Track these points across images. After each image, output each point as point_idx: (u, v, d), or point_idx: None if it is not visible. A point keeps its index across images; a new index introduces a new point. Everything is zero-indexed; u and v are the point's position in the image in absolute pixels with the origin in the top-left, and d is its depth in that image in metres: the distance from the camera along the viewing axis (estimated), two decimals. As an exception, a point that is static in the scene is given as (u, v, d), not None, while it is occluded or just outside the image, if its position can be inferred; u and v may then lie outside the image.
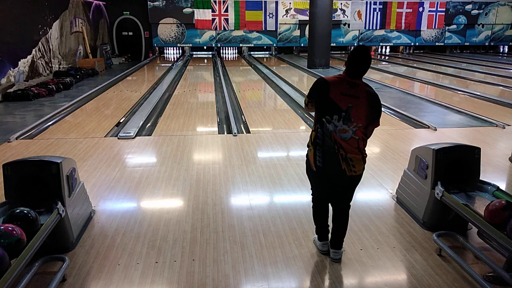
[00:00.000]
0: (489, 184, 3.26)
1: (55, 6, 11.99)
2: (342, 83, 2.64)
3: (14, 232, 2.36)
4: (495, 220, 2.64)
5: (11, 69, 9.27)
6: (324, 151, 2.66)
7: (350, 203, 2.92)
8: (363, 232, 3.33)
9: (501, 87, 10.87)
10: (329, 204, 2.98)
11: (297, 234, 3.29)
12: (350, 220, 3.04)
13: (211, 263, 2.89)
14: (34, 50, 10.44)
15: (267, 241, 3.19)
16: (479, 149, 3.33)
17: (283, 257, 2.97)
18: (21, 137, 5.97)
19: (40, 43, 10.82)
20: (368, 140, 2.77)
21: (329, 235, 3.00)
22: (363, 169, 2.77)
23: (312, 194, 3.03)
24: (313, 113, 2.82)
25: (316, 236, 3.10)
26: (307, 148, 2.81)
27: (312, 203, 3.05)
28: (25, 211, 2.60)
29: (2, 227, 2.37)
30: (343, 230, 2.92)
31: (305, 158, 2.85)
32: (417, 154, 3.56)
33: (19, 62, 9.65)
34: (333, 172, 2.69)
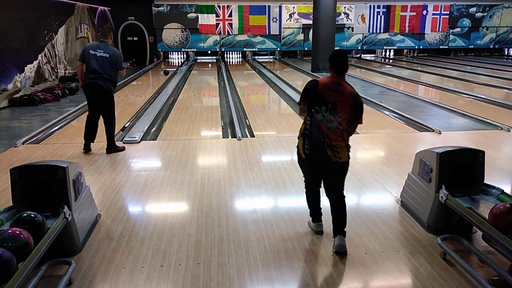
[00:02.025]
0: (493, 187, 3.26)
1: (61, 12, 12.12)
2: (330, 82, 3.02)
3: (22, 235, 2.39)
4: (500, 223, 2.63)
5: (18, 74, 9.36)
6: (311, 140, 2.99)
7: (344, 193, 3.14)
8: (368, 235, 3.33)
9: (506, 90, 10.82)
10: (320, 189, 3.29)
11: (302, 238, 3.29)
12: (354, 223, 3.10)
13: (216, 267, 2.91)
14: (40, 55, 10.54)
15: (271, 244, 3.20)
16: (483, 152, 3.33)
17: (288, 261, 2.98)
18: (27, 142, 6.03)
19: (46, 48, 10.93)
20: (352, 134, 3.08)
21: (322, 217, 3.33)
22: (348, 157, 3.03)
23: (304, 182, 3.36)
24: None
25: (310, 218, 3.39)
26: (297, 140, 3.14)
27: (305, 189, 3.38)
28: (32, 215, 2.62)
29: (10, 231, 2.40)
30: (342, 219, 3.12)
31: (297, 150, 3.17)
32: (421, 157, 3.56)
33: (25, 68, 9.75)
34: (320, 158, 3.00)
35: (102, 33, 5.49)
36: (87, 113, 5.68)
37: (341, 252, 3.05)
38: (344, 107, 2.93)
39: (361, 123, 3.08)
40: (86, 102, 4.98)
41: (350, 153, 3.03)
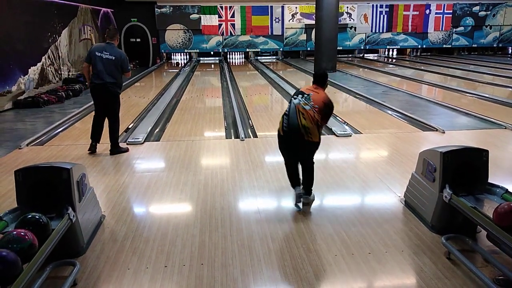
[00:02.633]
0: (497, 186, 3.25)
1: (64, 14, 12.17)
2: (310, 86, 3.89)
3: (26, 237, 2.40)
4: (504, 222, 2.62)
5: (22, 76, 9.41)
6: (289, 118, 3.67)
7: (313, 161, 3.84)
8: (371, 235, 3.32)
9: (510, 89, 10.78)
10: (298, 165, 3.88)
11: (305, 238, 3.29)
12: (358, 223, 3.19)
13: (220, 267, 2.91)
14: (43, 57, 10.59)
15: (275, 245, 3.20)
16: (487, 151, 3.32)
17: (291, 261, 2.98)
18: (31, 144, 6.05)
19: (49, 50, 10.98)
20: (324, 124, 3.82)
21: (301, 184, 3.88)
22: (319, 138, 3.72)
23: (284, 161, 3.93)
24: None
25: (293, 187, 3.90)
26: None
27: (286, 168, 3.94)
28: (37, 217, 2.64)
29: (15, 232, 2.42)
30: (309, 181, 3.87)
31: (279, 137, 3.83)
32: (425, 157, 3.55)
33: (29, 70, 9.80)
34: (294, 134, 3.64)
35: (108, 35, 5.48)
36: (92, 113, 5.71)
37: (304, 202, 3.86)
38: (318, 100, 3.67)
39: (325, 123, 3.87)
40: (89, 104, 5.06)
41: (320, 136, 3.76)
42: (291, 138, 3.69)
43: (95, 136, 5.57)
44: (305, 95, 3.70)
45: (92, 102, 5.67)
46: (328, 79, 3.96)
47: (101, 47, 5.38)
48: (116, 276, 2.84)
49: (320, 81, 3.87)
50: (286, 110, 3.73)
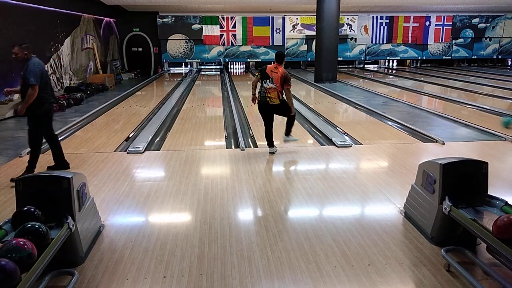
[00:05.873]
0: (497, 199, 3.24)
1: (67, 23, 12.28)
2: (272, 66, 5.61)
3: (26, 246, 2.40)
4: (504, 235, 2.62)
5: (24, 85, 9.44)
6: (261, 92, 5.66)
7: (292, 114, 5.75)
8: (371, 247, 3.31)
9: (510, 100, 10.81)
10: (272, 127, 5.87)
11: (304, 249, 3.28)
12: (358, 235, 3.17)
13: (219, 278, 2.90)
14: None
15: (274, 256, 3.19)
16: (486, 163, 3.32)
17: (290, 272, 2.97)
18: (32, 152, 6.05)
19: (51, 59, 11.05)
20: (283, 92, 5.62)
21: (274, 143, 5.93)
22: (280, 101, 5.58)
23: (264, 125, 5.86)
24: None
25: (268, 148, 5.90)
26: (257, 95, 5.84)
27: (264, 129, 5.85)
28: (36, 226, 2.63)
29: (14, 241, 2.41)
30: (290, 126, 5.91)
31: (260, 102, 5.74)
32: (425, 168, 3.56)
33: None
34: (264, 102, 5.65)
35: (27, 49, 4.72)
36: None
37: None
38: (277, 78, 5.47)
39: (289, 86, 5.55)
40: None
41: (283, 100, 5.60)
42: (262, 104, 5.67)
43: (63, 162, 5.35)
44: (269, 79, 5.50)
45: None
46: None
47: (41, 63, 4.88)
48: (114, 286, 2.83)
49: (279, 60, 5.61)
50: (260, 89, 5.67)
